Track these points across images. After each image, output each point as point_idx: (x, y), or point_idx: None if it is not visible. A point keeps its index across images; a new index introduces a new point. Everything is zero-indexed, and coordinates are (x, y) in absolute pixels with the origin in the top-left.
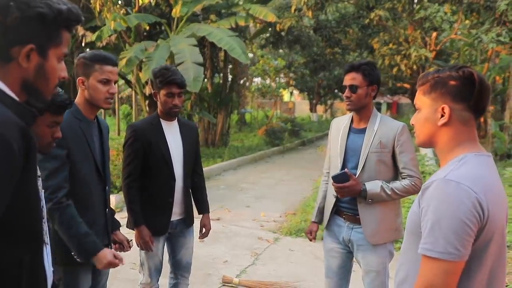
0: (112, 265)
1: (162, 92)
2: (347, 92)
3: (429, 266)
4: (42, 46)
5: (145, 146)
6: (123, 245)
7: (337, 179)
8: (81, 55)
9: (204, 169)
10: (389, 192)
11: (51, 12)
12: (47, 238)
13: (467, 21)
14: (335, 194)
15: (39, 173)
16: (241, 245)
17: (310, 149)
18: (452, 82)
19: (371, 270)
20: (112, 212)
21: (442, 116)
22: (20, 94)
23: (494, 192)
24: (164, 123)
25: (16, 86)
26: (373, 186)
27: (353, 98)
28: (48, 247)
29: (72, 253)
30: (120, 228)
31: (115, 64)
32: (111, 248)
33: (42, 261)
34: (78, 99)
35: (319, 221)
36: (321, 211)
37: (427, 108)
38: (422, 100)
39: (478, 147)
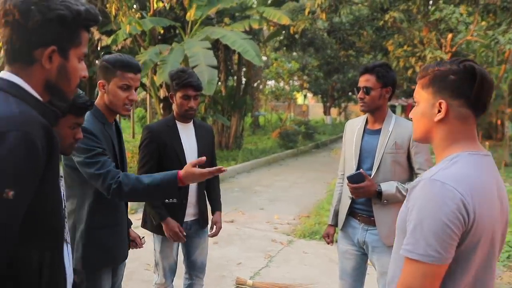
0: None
1: (179, 94)
2: (360, 94)
3: (409, 268)
4: (63, 47)
5: (161, 147)
6: (136, 242)
7: (352, 179)
8: (105, 57)
9: None
10: (405, 193)
11: (70, 13)
12: (68, 237)
13: (483, 23)
14: (350, 195)
15: (61, 172)
16: (255, 247)
17: (324, 152)
18: (452, 76)
19: (386, 272)
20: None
21: (439, 111)
22: (43, 95)
23: (483, 194)
24: (180, 125)
25: (39, 87)
26: (388, 187)
27: (366, 100)
28: (69, 246)
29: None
30: (135, 228)
31: (138, 70)
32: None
33: (62, 259)
34: (98, 101)
35: (336, 224)
36: (336, 213)
37: (424, 102)
38: (421, 94)
39: (474, 146)
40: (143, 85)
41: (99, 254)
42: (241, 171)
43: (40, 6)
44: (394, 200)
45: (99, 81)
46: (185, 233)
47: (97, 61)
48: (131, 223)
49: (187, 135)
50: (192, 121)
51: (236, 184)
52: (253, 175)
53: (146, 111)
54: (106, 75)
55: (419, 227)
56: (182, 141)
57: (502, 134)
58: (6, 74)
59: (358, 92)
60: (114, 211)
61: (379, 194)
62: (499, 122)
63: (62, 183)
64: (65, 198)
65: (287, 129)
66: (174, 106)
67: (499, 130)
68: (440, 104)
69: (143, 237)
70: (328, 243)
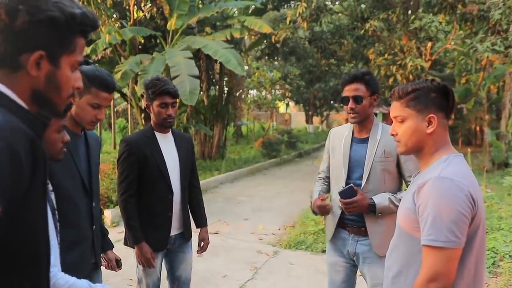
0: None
1: (155, 103)
2: (351, 104)
3: (434, 255)
4: (53, 53)
5: (140, 159)
6: (112, 265)
7: (343, 194)
8: (82, 68)
9: (201, 182)
10: (397, 203)
11: (63, 16)
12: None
13: (461, 31)
14: (341, 205)
15: (51, 187)
16: (240, 259)
17: (307, 160)
18: (433, 94)
19: (378, 283)
20: (104, 231)
21: (429, 124)
22: (30, 105)
23: (477, 186)
24: (159, 135)
25: (25, 95)
26: (381, 200)
27: (358, 109)
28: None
29: None
30: (117, 245)
31: (113, 90)
32: (99, 267)
33: None
34: None
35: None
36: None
37: (413, 118)
38: (406, 111)
39: (453, 149)
40: (123, 95)
41: None
42: (224, 181)
43: (29, 6)
44: (387, 212)
45: None
46: (156, 261)
47: None
48: (112, 246)
49: (167, 145)
50: (170, 131)
51: (220, 194)
52: (237, 185)
53: (127, 121)
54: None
55: (438, 218)
56: (162, 151)
57: (481, 140)
58: None
59: (345, 102)
60: (70, 229)
61: (372, 207)
62: (478, 128)
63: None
64: (56, 218)
65: (270, 138)
66: (151, 116)
67: (478, 137)
68: (430, 118)
69: (120, 259)
70: (326, 212)
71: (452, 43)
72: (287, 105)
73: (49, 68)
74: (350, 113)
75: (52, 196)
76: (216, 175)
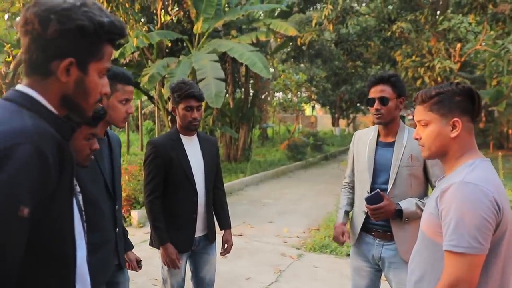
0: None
1: (181, 106)
2: (377, 105)
3: (455, 261)
4: (82, 60)
5: (166, 162)
6: (132, 266)
7: (370, 200)
8: None
9: (226, 184)
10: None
11: (92, 24)
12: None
13: (492, 32)
14: (365, 210)
15: (78, 189)
16: (264, 261)
17: (333, 163)
18: (458, 97)
19: None
20: (125, 232)
21: (454, 128)
22: (60, 109)
23: (503, 192)
24: (184, 138)
25: (55, 101)
26: (408, 205)
27: (383, 111)
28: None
29: None
30: (144, 245)
31: (133, 83)
32: (123, 268)
33: None
34: None
35: (345, 221)
36: (347, 213)
37: (437, 122)
38: (430, 115)
39: (479, 153)
40: (151, 98)
41: None
42: (249, 184)
43: (60, 16)
44: (414, 217)
45: None
46: (181, 262)
47: None
48: (132, 247)
49: (192, 148)
50: (196, 134)
51: (245, 196)
52: (262, 187)
53: (154, 123)
54: None
55: (461, 224)
56: (187, 154)
57: None
58: (22, 87)
59: (371, 104)
60: (94, 232)
61: (399, 212)
62: (510, 131)
63: (81, 201)
64: (83, 219)
65: (295, 141)
66: (177, 119)
67: (511, 140)
68: (454, 122)
69: (140, 260)
70: (343, 243)
71: (483, 44)
72: (313, 107)
73: (78, 75)
74: (375, 114)
75: (80, 197)
76: (241, 177)
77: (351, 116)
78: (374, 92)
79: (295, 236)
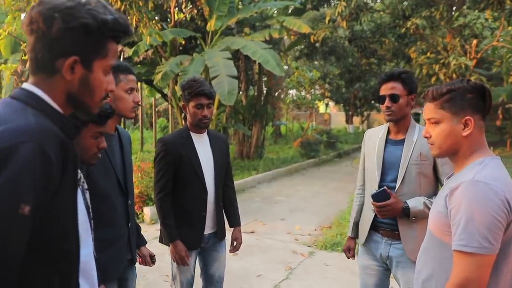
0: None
1: (191, 104)
2: (387, 102)
3: (464, 261)
4: (86, 58)
5: (176, 159)
6: (146, 261)
7: (376, 197)
8: None
9: (238, 181)
10: None
11: (96, 22)
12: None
13: (510, 28)
14: (373, 208)
15: (86, 186)
16: (275, 258)
17: (346, 161)
18: (470, 95)
19: None
20: (138, 228)
21: (466, 127)
22: (65, 107)
23: None
24: (194, 136)
25: (60, 99)
26: (416, 203)
27: (394, 108)
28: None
29: None
30: (156, 242)
31: (134, 72)
32: (134, 263)
33: (75, 285)
34: None
35: (356, 236)
36: (357, 225)
37: (448, 120)
38: (441, 113)
39: (490, 152)
40: (164, 96)
41: None
42: (262, 181)
43: (64, 14)
44: (422, 216)
45: None
46: (190, 259)
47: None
48: (145, 242)
49: (202, 145)
50: (206, 131)
51: (257, 194)
52: (274, 185)
53: (168, 121)
54: None
55: (470, 223)
56: (197, 151)
57: None
58: (28, 85)
59: (381, 101)
60: (108, 227)
61: (406, 210)
62: None
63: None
64: (90, 216)
65: (308, 138)
66: (188, 117)
67: None
68: (466, 120)
69: (154, 255)
70: (349, 258)
71: (501, 40)
72: (327, 105)
73: (83, 72)
74: (386, 111)
75: (87, 195)
76: (254, 174)
77: (365, 113)
78: (385, 89)
79: (306, 234)
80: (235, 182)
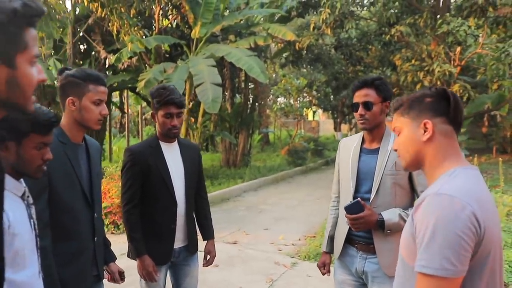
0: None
1: (160, 112)
2: (361, 110)
3: (425, 284)
4: (6, 56)
5: (144, 169)
6: (115, 278)
7: (349, 210)
8: (69, 73)
9: (224, 190)
10: None
11: (5, 16)
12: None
13: (493, 35)
14: (347, 221)
15: (31, 200)
16: (257, 270)
17: (333, 168)
18: (428, 99)
19: None
20: (107, 242)
21: (425, 131)
22: None
23: (487, 206)
24: (164, 145)
25: None
26: (390, 216)
27: (368, 116)
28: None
29: None
30: (122, 257)
31: (105, 84)
32: (102, 280)
33: None
34: (64, 121)
35: (331, 251)
36: (332, 239)
37: (408, 127)
38: (401, 121)
39: (464, 161)
40: (149, 103)
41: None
42: (247, 189)
43: None
44: (397, 229)
45: (68, 98)
46: (158, 275)
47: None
48: (115, 258)
49: (172, 155)
50: (176, 140)
51: (242, 203)
52: (260, 193)
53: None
54: (76, 90)
55: (432, 242)
56: (167, 161)
57: None
58: None
59: (355, 109)
60: (70, 241)
61: (380, 223)
62: None
63: (32, 212)
64: (36, 233)
65: (295, 146)
66: (156, 126)
67: None
68: (425, 124)
69: (123, 272)
70: (324, 274)
71: (487, 48)
72: (314, 112)
73: (7, 72)
74: (359, 120)
75: (33, 210)
76: (240, 183)
77: (353, 121)
78: (358, 97)
79: (290, 244)
80: (220, 191)
